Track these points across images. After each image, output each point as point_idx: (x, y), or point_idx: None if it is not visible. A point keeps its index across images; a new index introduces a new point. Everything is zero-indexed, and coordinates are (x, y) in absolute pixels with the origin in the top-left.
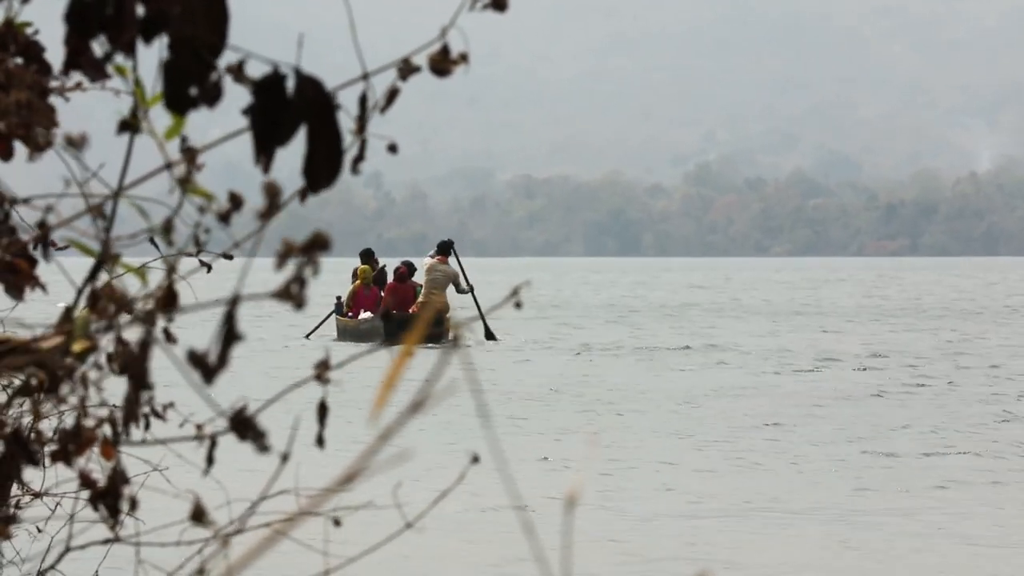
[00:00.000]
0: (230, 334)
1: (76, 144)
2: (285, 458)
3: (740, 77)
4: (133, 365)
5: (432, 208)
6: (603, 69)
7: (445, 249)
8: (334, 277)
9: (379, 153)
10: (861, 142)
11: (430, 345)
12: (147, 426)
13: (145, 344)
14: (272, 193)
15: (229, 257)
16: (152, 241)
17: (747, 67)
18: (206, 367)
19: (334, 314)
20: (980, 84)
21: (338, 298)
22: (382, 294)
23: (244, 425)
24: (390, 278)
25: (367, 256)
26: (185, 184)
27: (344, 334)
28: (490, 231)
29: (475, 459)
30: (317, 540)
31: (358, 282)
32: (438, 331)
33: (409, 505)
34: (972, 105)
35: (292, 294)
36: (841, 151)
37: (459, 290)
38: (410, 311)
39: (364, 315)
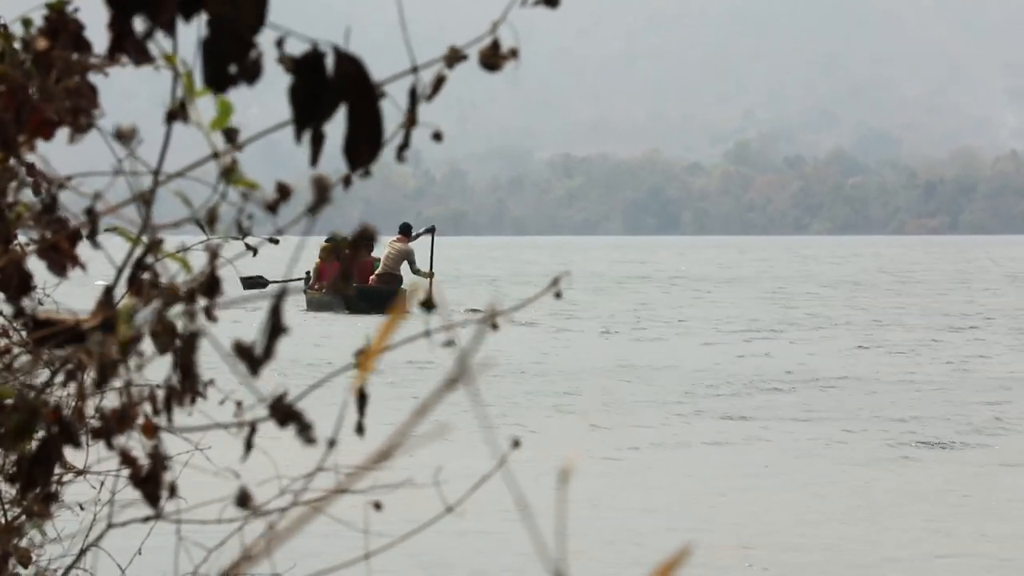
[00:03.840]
0: (276, 327)
1: (126, 137)
2: (332, 444)
3: (780, 55)
4: (183, 356)
5: (471, 186)
6: (642, 47)
7: (405, 229)
8: (311, 253)
9: (418, 131)
10: (901, 120)
11: (383, 314)
12: (192, 401)
13: (192, 335)
14: (321, 187)
15: (275, 241)
16: (198, 223)
17: (787, 45)
18: (252, 359)
19: (304, 288)
20: (1021, 62)
21: (307, 273)
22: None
23: (288, 415)
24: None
25: (333, 238)
26: (230, 174)
27: (311, 305)
28: (529, 209)
29: (516, 443)
30: (355, 519)
31: (319, 260)
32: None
33: (448, 483)
34: (1013, 83)
35: (340, 288)
36: (881, 129)
37: (413, 270)
38: (368, 282)
39: None
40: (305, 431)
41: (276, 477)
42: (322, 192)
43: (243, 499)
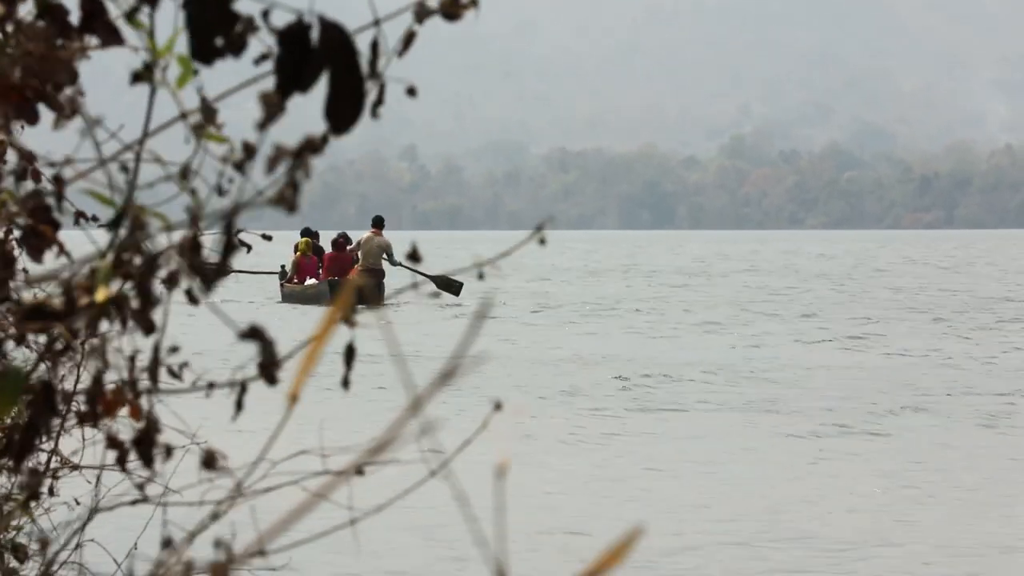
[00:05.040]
0: (229, 244)
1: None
2: (294, 399)
3: (775, 49)
4: (140, 315)
5: (466, 181)
6: (638, 42)
7: (379, 223)
8: (284, 248)
9: (414, 127)
10: (896, 114)
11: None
12: (174, 376)
13: (150, 258)
14: (269, 103)
15: (268, 238)
16: (189, 211)
17: (782, 39)
18: (206, 275)
19: (279, 281)
20: (1017, 56)
21: (282, 267)
22: (320, 262)
23: (252, 334)
24: (328, 249)
25: (307, 231)
26: (200, 131)
27: (290, 298)
28: (524, 204)
29: (498, 406)
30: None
31: (299, 253)
32: (375, 295)
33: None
34: (1008, 77)
35: (286, 198)
36: (876, 123)
37: (392, 262)
38: (351, 277)
39: (309, 281)
40: (267, 369)
41: (262, 459)
42: (271, 109)
43: (209, 460)
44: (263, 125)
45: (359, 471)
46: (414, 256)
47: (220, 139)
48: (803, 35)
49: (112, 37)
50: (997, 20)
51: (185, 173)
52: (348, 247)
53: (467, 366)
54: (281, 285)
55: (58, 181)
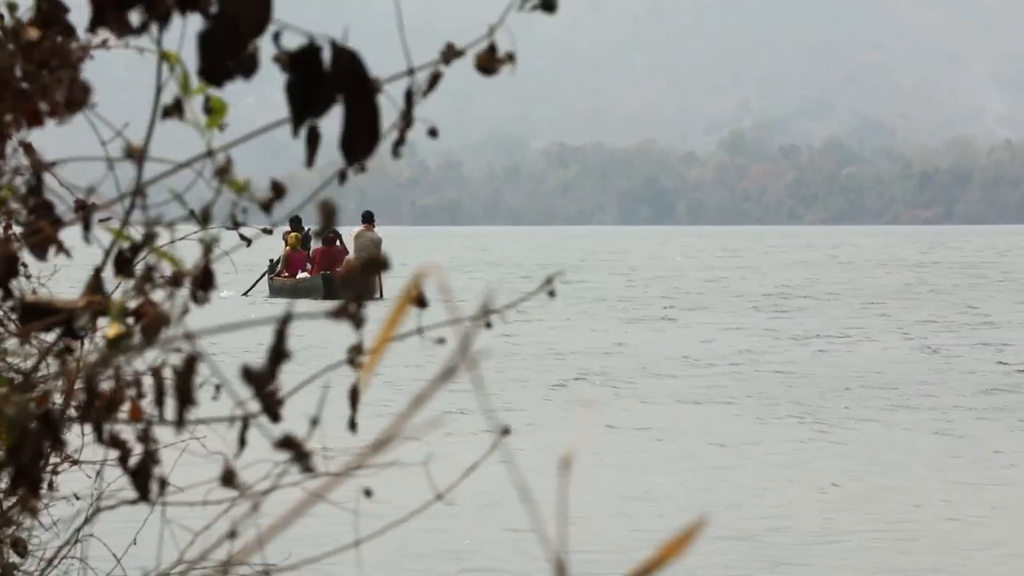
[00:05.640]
0: (279, 352)
1: (135, 155)
2: (315, 422)
3: (775, 45)
4: (180, 383)
5: (466, 176)
6: (638, 37)
7: (369, 218)
8: (273, 242)
9: (415, 127)
10: (896, 109)
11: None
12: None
13: (191, 360)
14: (327, 212)
15: (268, 231)
16: (193, 214)
17: (782, 34)
18: (258, 382)
19: (267, 274)
20: (1016, 51)
21: (271, 260)
22: (310, 255)
23: (286, 444)
24: (314, 243)
25: (296, 223)
26: (223, 175)
27: (280, 292)
28: (524, 199)
29: (505, 431)
30: (346, 505)
31: (288, 247)
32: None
33: (437, 462)
34: (1008, 72)
35: (351, 313)
36: (876, 118)
37: None
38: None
39: (301, 275)
40: (302, 459)
41: (263, 460)
42: (328, 216)
43: (228, 478)
44: (321, 232)
45: (367, 493)
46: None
47: (240, 188)
48: (802, 30)
49: (124, 28)
50: (997, 15)
51: (207, 216)
52: (337, 242)
53: (468, 364)
54: (270, 279)
55: (84, 208)
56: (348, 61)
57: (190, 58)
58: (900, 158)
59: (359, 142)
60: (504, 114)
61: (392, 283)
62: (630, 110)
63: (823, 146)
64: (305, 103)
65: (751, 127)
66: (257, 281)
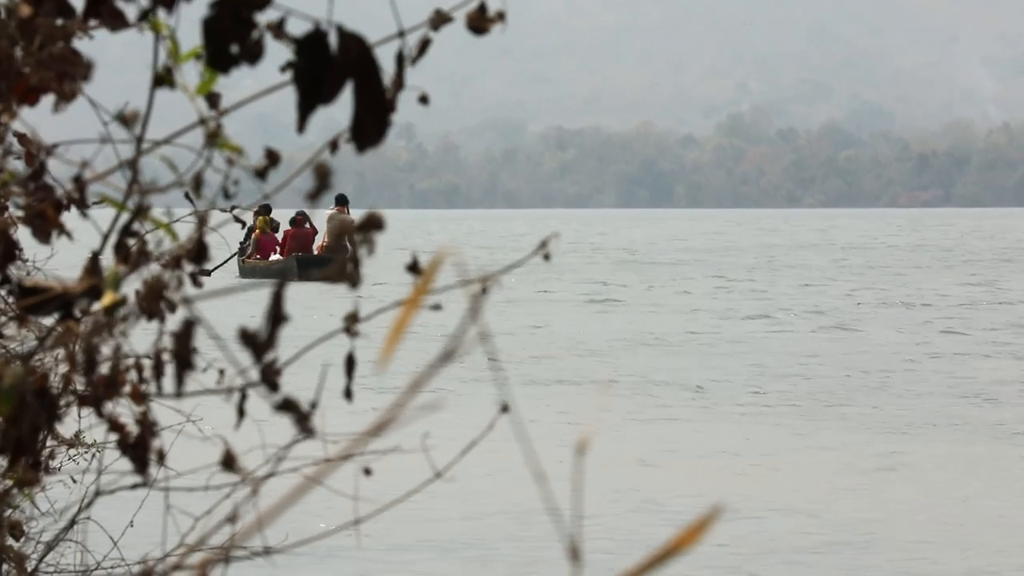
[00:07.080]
0: (278, 315)
1: (128, 121)
2: (313, 406)
3: (773, 27)
4: (178, 346)
5: (464, 159)
6: (636, 19)
7: (343, 200)
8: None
9: (411, 104)
10: (894, 92)
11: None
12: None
13: (189, 324)
14: (322, 173)
15: (241, 222)
16: (187, 196)
17: (780, 17)
18: (256, 346)
19: (236, 255)
20: (1015, 34)
21: (241, 242)
22: (278, 239)
23: (286, 406)
24: (284, 227)
25: (266, 209)
26: (215, 139)
27: (251, 273)
28: (522, 182)
29: (504, 408)
30: (345, 489)
31: (257, 231)
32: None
33: (436, 448)
34: (1007, 55)
35: (348, 274)
36: (874, 101)
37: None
38: (315, 252)
39: (274, 257)
40: (303, 421)
41: (263, 446)
42: (323, 178)
43: (228, 461)
44: (314, 195)
45: (367, 471)
46: (414, 268)
47: (236, 149)
48: (801, 13)
49: (118, 21)
50: None
51: (198, 184)
52: (307, 224)
53: (466, 346)
54: (241, 261)
55: (79, 182)
56: (355, 46)
57: (189, 46)
58: (898, 141)
59: (370, 128)
60: (502, 98)
61: (388, 268)
62: (628, 93)
63: (821, 129)
64: (314, 90)
65: (749, 110)
66: (225, 261)
